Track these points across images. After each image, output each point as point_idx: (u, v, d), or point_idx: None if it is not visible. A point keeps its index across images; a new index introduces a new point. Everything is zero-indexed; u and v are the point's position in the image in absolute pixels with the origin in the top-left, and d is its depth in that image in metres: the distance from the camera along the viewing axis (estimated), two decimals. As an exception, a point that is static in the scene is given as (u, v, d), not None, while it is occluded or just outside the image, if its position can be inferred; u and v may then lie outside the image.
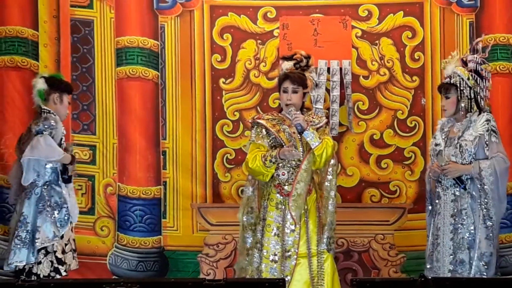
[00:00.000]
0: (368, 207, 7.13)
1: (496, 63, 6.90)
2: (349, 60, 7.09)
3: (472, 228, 5.61)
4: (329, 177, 5.87)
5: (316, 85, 6.18)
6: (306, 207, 5.84)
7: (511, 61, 7.02)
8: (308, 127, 5.76)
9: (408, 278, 4.82)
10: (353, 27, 7.14)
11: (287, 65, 5.91)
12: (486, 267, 5.56)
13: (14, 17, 7.10)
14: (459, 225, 5.63)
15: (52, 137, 5.94)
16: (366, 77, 7.17)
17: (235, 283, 4.74)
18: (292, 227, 5.79)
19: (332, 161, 5.87)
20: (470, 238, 5.60)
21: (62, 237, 5.92)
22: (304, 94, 5.90)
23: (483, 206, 5.60)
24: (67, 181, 6.03)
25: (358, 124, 7.15)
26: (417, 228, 6.97)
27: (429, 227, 5.84)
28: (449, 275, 5.55)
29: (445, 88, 5.75)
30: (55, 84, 6.05)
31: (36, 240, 5.82)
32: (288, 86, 5.82)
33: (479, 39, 5.89)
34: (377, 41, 7.16)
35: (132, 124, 7.16)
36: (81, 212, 7.01)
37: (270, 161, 5.76)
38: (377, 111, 7.17)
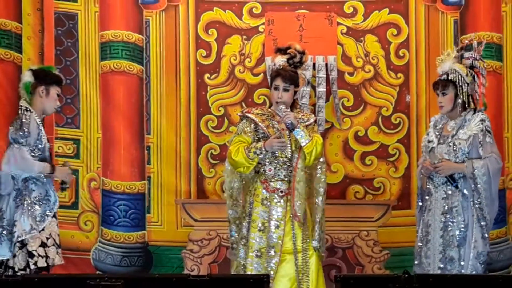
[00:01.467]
0: (352, 203, 7.14)
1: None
2: (335, 56, 7.10)
3: (462, 226, 5.62)
4: (319, 174, 5.87)
5: (308, 82, 6.16)
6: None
7: (495, 59, 7.06)
8: (298, 125, 5.76)
9: (392, 275, 4.83)
10: (338, 23, 7.15)
11: (280, 61, 5.88)
12: (483, 266, 5.58)
13: (-2, 10, 7.06)
14: (450, 223, 5.65)
15: (29, 144, 5.80)
16: (351, 74, 7.19)
17: (220, 278, 4.74)
18: (277, 223, 5.80)
19: (322, 159, 5.87)
20: (460, 236, 5.61)
21: (42, 229, 5.82)
22: (295, 92, 5.89)
23: (476, 206, 5.61)
24: (63, 189, 6.01)
25: (343, 121, 7.16)
26: (401, 225, 6.99)
27: (419, 223, 5.85)
28: (438, 272, 5.57)
29: (443, 84, 5.72)
30: (41, 76, 5.94)
31: (13, 234, 5.76)
32: (279, 84, 5.80)
33: (471, 37, 5.89)
34: (362, 38, 7.17)
35: (116, 118, 7.14)
36: (65, 207, 7.01)
37: (255, 152, 5.74)
38: (361, 107, 7.18)
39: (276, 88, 5.82)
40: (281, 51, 5.95)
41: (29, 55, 7.05)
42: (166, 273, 6.65)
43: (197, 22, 7.19)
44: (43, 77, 5.94)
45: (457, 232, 5.62)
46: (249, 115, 5.89)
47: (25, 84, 5.93)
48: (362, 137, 7.18)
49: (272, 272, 5.70)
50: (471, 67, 5.72)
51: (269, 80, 6.06)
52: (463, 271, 5.57)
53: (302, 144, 5.75)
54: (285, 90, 5.80)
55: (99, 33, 7.16)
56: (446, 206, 5.67)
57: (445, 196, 5.68)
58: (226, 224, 6.93)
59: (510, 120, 7.13)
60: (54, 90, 5.94)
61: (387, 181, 7.16)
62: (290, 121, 5.72)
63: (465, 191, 5.65)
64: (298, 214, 5.75)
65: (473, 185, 5.62)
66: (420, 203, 5.86)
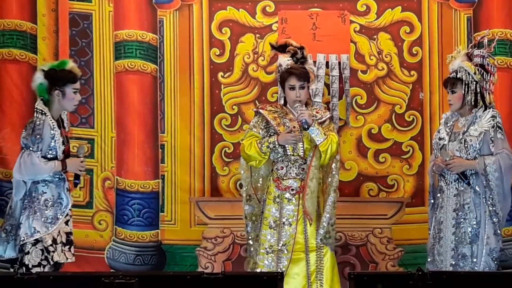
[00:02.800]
0: (366, 201, 7.15)
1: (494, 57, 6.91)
2: (348, 54, 7.10)
3: (474, 222, 5.62)
4: (333, 172, 5.89)
5: (316, 76, 6.19)
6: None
7: (509, 55, 7.05)
8: (313, 123, 5.78)
9: (406, 272, 4.82)
10: (351, 21, 7.15)
11: (286, 61, 5.92)
12: (496, 262, 5.56)
13: (12, 11, 7.10)
14: (462, 220, 5.64)
15: (41, 150, 5.71)
16: (364, 72, 7.19)
17: (233, 276, 4.75)
18: (289, 221, 5.82)
19: (337, 157, 5.90)
20: (472, 233, 5.61)
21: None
22: (308, 88, 5.93)
23: (489, 202, 5.60)
24: (76, 185, 5.94)
25: (356, 119, 7.16)
26: (415, 222, 6.99)
27: (431, 220, 5.85)
28: (450, 269, 5.56)
29: (452, 82, 5.73)
30: (53, 78, 5.79)
31: (19, 237, 5.70)
32: (295, 83, 5.85)
33: (484, 34, 5.87)
34: (375, 36, 7.17)
35: (130, 117, 7.17)
36: (79, 206, 7.05)
37: (267, 146, 5.82)
38: (375, 105, 7.18)
39: (292, 88, 5.87)
40: (278, 49, 5.99)
41: (44, 56, 7.09)
42: (180, 271, 6.68)
43: (210, 21, 7.21)
44: (55, 79, 5.78)
45: (469, 229, 5.62)
46: (261, 111, 5.96)
47: (39, 87, 5.80)
48: (376, 134, 7.18)
49: (283, 270, 5.72)
50: (481, 65, 5.71)
51: (278, 81, 6.09)
52: (476, 267, 5.55)
53: (317, 143, 5.77)
54: (301, 88, 5.88)
55: (113, 32, 7.19)
56: (458, 203, 5.66)
57: (456, 193, 5.68)
58: (240, 222, 6.96)
59: (524, 116, 7.11)
60: (70, 90, 5.80)
61: (400, 178, 7.16)
62: (304, 120, 5.74)
63: (477, 188, 5.64)
64: (309, 212, 5.77)
65: (485, 182, 5.61)
66: (432, 201, 5.86)
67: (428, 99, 7.16)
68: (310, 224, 5.80)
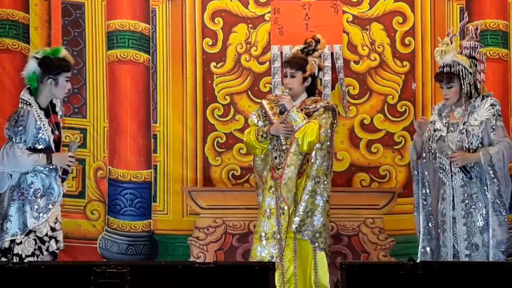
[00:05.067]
0: (358, 191, 7.15)
1: (486, 48, 6.89)
2: (340, 45, 7.10)
3: (484, 212, 5.61)
4: (312, 161, 5.91)
5: (319, 69, 6.20)
6: (296, 191, 5.89)
7: (501, 46, 7.05)
8: (292, 109, 5.82)
9: (397, 262, 4.85)
10: (344, 12, 7.14)
11: (294, 50, 6.01)
12: (505, 253, 5.56)
13: (5, 0, 7.07)
14: (472, 210, 5.63)
15: (24, 141, 5.66)
16: (356, 62, 7.19)
17: (225, 266, 4.76)
18: (282, 209, 5.85)
19: (318, 145, 5.89)
20: (482, 222, 5.60)
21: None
22: (305, 79, 5.94)
23: (495, 193, 5.58)
24: (63, 180, 5.83)
25: (349, 109, 7.17)
26: (407, 212, 6.97)
27: (417, 196, 5.83)
28: (466, 259, 5.55)
29: (447, 77, 5.70)
30: (47, 66, 5.73)
31: (6, 230, 5.65)
32: (287, 71, 5.94)
33: (467, 22, 5.88)
34: (367, 26, 7.17)
35: (123, 107, 7.16)
36: (71, 196, 7.04)
37: (262, 135, 5.91)
38: (367, 96, 7.19)
39: (286, 75, 5.99)
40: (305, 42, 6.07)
41: (36, 45, 7.06)
42: (172, 261, 6.69)
43: (203, 11, 7.19)
44: (49, 67, 5.73)
45: (480, 218, 5.60)
46: (263, 101, 6.06)
47: (31, 74, 5.74)
48: (368, 125, 7.19)
49: (276, 258, 5.76)
50: (472, 56, 5.71)
51: None
52: (489, 258, 5.55)
53: (295, 128, 5.82)
54: (292, 76, 5.91)
55: (105, 22, 7.17)
56: (466, 194, 5.65)
57: (463, 183, 5.67)
58: (232, 212, 7.01)
59: (517, 106, 7.13)
60: (63, 78, 5.75)
61: (392, 169, 7.17)
62: (283, 104, 5.81)
63: (481, 177, 5.62)
64: (284, 197, 5.80)
65: (492, 173, 5.58)
66: (416, 172, 5.82)
67: (421, 89, 7.16)
68: (289, 211, 5.84)
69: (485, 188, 5.62)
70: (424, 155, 5.82)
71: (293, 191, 5.85)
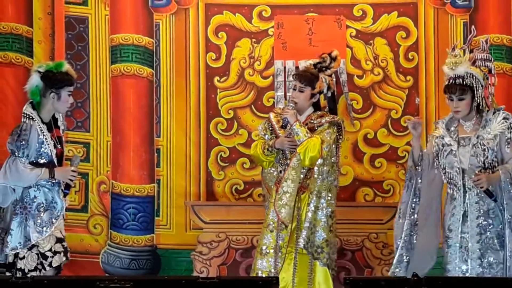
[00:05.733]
0: (362, 206, 7.15)
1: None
2: (343, 59, 7.10)
3: (500, 228, 5.49)
4: (315, 176, 5.89)
5: (329, 87, 6.13)
6: (298, 205, 5.88)
7: (505, 61, 7.06)
8: (294, 123, 5.81)
9: (401, 277, 4.83)
10: (347, 26, 7.16)
11: (306, 63, 5.99)
12: None
13: (8, 14, 7.10)
14: (488, 226, 5.51)
15: (27, 156, 5.65)
16: (360, 77, 7.19)
17: (229, 280, 4.75)
18: (288, 222, 5.84)
19: (320, 161, 5.88)
20: (500, 239, 5.48)
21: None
22: (313, 95, 5.93)
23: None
24: (65, 194, 5.80)
25: (352, 123, 7.17)
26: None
27: (405, 205, 5.71)
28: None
29: (461, 89, 5.54)
30: (50, 80, 5.73)
31: (6, 244, 5.63)
32: (296, 84, 5.91)
33: (486, 37, 5.73)
34: (371, 41, 7.18)
35: (126, 121, 7.16)
36: (74, 210, 7.04)
37: (268, 149, 5.88)
38: (371, 110, 7.19)
39: (294, 89, 5.97)
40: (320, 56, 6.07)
41: (39, 59, 7.07)
42: (175, 275, 6.68)
43: (207, 25, 7.21)
44: (52, 81, 5.72)
45: (496, 234, 5.48)
46: (270, 114, 6.06)
47: (34, 88, 5.73)
48: (372, 139, 7.18)
49: (274, 271, 5.75)
50: (489, 69, 5.61)
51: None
52: (508, 274, 5.41)
53: (298, 143, 5.81)
54: (301, 91, 5.91)
55: (109, 36, 7.19)
56: (482, 210, 5.52)
57: (478, 199, 5.54)
58: (236, 226, 6.99)
59: (520, 122, 7.11)
60: (66, 92, 5.75)
61: (396, 183, 7.16)
62: (286, 117, 5.80)
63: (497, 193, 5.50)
64: (278, 212, 5.77)
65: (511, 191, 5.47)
66: (409, 182, 5.71)
67: (424, 104, 7.16)
68: (286, 228, 5.81)
69: (502, 205, 5.49)
70: (420, 163, 5.69)
71: (288, 206, 5.80)
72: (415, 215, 5.70)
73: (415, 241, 5.69)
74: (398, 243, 5.71)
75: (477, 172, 5.51)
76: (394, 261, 5.70)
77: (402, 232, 5.70)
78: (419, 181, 5.71)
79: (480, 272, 5.47)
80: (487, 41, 5.68)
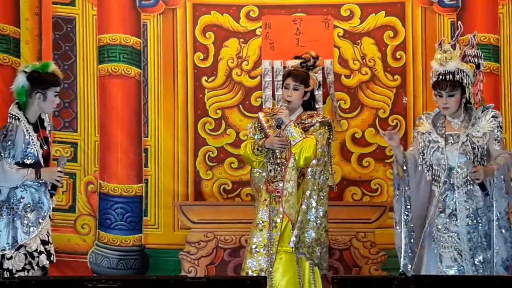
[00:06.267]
0: (350, 205, 7.15)
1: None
2: (331, 59, 7.12)
3: (487, 228, 5.45)
4: (308, 177, 5.88)
5: (320, 85, 6.16)
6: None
7: (492, 60, 7.08)
8: (289, 124, 5.81)
9: (389, 276, 4.84)
10: (335, 26, 7.17)
11: (292, 63, 5.98)
12: (508, 272, 5.40)
13: (-4, 15, 7.09)
14: (476, 225, 5.46)
15: (13, 156, 5.62)
16: (347, 76, 7.20)
17: (217, 280, 4.75)
18: (275, 223, 5.85)
19: (314, 161, 5.88)
20: (487, 239, 5.44)
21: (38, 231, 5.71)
22: (305, 93, 5.94)
23: (504, 208, 5.41)
24: (52, 195, 5.77)
25: (340, 123, 7.18)
26: (398, 227, 7.00)
27: (398, 214, 5.64)
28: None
29: (451, 85, 5.45)
30: (36, 81, 5.70)
31: None
32: (290, 82, 5.91)
33: (474, 33, 5.65)
34: (358, 41, 7.19)
35: (113, 121, 7.15)
36: (62, 210, 7.03)
37: (257, 149, 5.88)
38: (358, 109, 7.20)
39: (287, 87, 5.93)
40: (298, 57, 6.03)
41: (27, 60, 7.05)
42: (164, 275, 6.67)
43: (194, 25, 7.21)
44: (38, 82, 5.70)
45: (484, 234, 5.44)
46: (259, 113, 6.06)
47: (20, 89, 5.71)
48: (359, 139, 7.19)
49: (265, 271, 5.75)
50: (477, 65, 5.52)
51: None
52: (495, 270, 5.38)
53: (292, 144, 5.80)
54: (295, 89, 5.91)
55: (97, 36, 7.18)
56: (471, 209, 5.47)
57: (467, 198, 5.48)
58: (224, 226, 6.98)
59: (508, 120, 7.14)
60: (52, 93, 5.72)
61: (384, 182, 7.17)
62: (280, 118, 5.79)
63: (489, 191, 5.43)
64: (289, 214, 5.79)
65: (504, 187, 5.40)
66: (398, 192, 5.65)
67: (412, 103, 7.18)
68: (276, 227, 5.83)
69: (491, 203, 5.44)
70: (405, 168, 5.62)
71: (295, 206, 5.82)
72: (410, 223, 5.65)
73: (415, 249, 5.62)
74: (400, 253, 5.65)
75: (475, 164, 5.44)
76: (401, 271, 5.62)
77: (402, 241, 5.64)
78: (407, 189, 5.65)
79: (474, 270, 5.43)
80: (474, 36, 5.62)
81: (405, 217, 5.66)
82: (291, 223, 5.81)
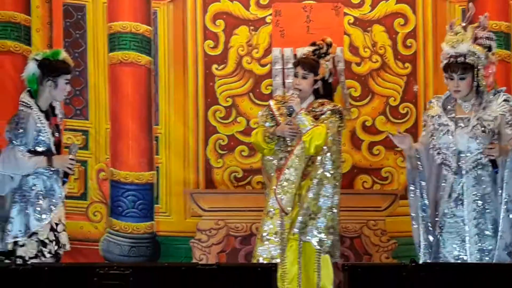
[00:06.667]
0: (360, 193, 7.16)
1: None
2: (341, 47, 7.10)
3: (494, 214, 5.39)
4: (317, 164, 5.89)
5: (331, 74, 6.12)
6: (300, 192, 5.89)
7: (503, 47, 7.05)
8: (300, 112, 5.81)
9: (399, 263, 4.85)
10: (345, 14, 7.15)
11: (304, 50, 5.97)
12: (511, 257, 5.35)
13: (6, 2, 7.08)
14: (484, 211, 5.40)
15: (25, 144, 5.65)
16: (358, 64, 7.19)
17: (228, 267, 4.77)
18: (288, 209, 5.86)
19: (324, 149, 5.88)
20: (494, 225, 5.37)
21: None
22: (316, 81, 5.92)
23: (508, 193, 5.34)
24: (64, 183, 5.78)
25: (351, 111, 7.17)
26: (409, 214, 6.96)
27: (414, 209, 5.57)
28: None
29: (463, 68, 5.36)
30: (47, 68, 5.72)
31: (7, 232, 5.64)
32: (299, 71, 5.92)
33: (485, 14, 5.57)
34: (369, 28, 7.18)
35: (124, 109, 7.17)
36: (73, 197, 7.05)
37: (269, 137, 5.89)
38: (369, 97, 7.19)
39: (296, 75, 5.94)
40: (314, 44, 6.02)
41: (38, 47, 7.07)
42: (175, 262, 6.70)
43: (204, 13, 7.20)
44: (49, 69, 5.71)
45: (491, 221, 5.38)
46: (270, 101, 6.06)
47: (31, 76, 5.73)
48: (370, 127, 7.19)
49: (277, 259, 5.76)
50: (489, 47, 5.44)
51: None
52: (494, 260, 5.33)
53: (303, 132, 5.81)
54: (303, 77, 5.90)
55: (107, 24, 7.18)
56: (478, 194, 5.41)
57: (475, 183, 5.42)
58: (234, 214, 6.99)
59: (518, 108, 7.11)
60: (63, 80, 5.74)
61: (394, 170, 7.17)
62: (291, 106, 5.79)
63: (495, 178, 5.38)
64: (279, 200, 5.79)
65: None
66: (413, 187, 5.59)
67: (422, 91, 7.17)
68: (287, 215, 5.83)
69: (500, 187, 5.36)
70: (419, 163, 5.57)
71: (290, 194, 5.81)
72: (428, 219, 5.56)
73: (433, 245, 5.54)
74: (419, 248, 5.57)
75: (492, 141, 5.37)
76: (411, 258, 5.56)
77: (420, 237, 5.55)
78: (423, 184, 5.58)
79: (479, 258, 5.40)
80: (486, 17, 5.52)
81: (422, 213, 5.58)
82: (282, 209, 5.81)
